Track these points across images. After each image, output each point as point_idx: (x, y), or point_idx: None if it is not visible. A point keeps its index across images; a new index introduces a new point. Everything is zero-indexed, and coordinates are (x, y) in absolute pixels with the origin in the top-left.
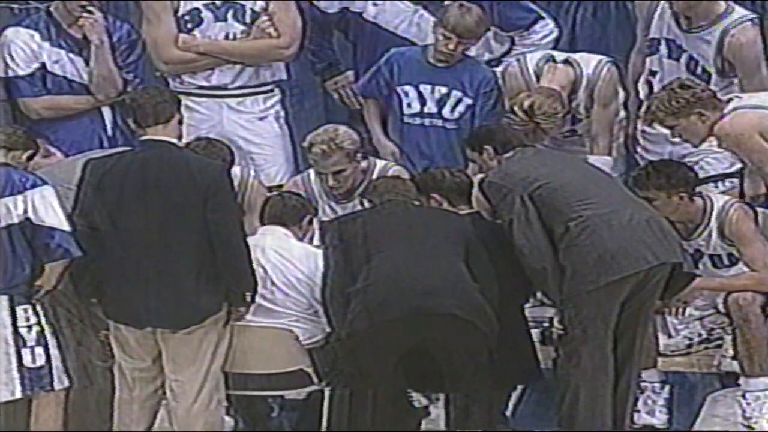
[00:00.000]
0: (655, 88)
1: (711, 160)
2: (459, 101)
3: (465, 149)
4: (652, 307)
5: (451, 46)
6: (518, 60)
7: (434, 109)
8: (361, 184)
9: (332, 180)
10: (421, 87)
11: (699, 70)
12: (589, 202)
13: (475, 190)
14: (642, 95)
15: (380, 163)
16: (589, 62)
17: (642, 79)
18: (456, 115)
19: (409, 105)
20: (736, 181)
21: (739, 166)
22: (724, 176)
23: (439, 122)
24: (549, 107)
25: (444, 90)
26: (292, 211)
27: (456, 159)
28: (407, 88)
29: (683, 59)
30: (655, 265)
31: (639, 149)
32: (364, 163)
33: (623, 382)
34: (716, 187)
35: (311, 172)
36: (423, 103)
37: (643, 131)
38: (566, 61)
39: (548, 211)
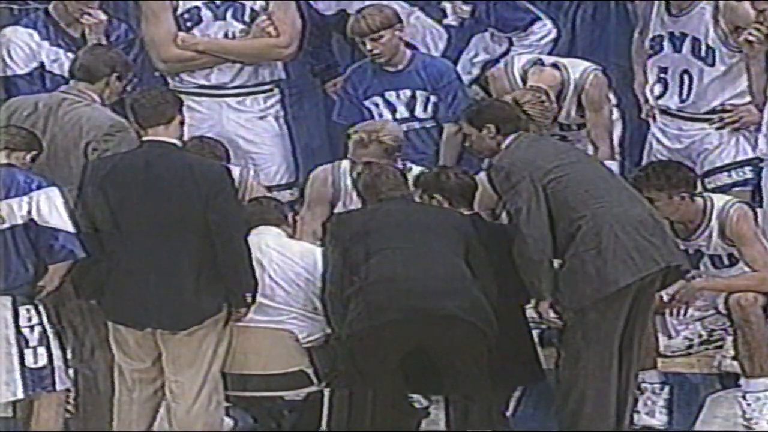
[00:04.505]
0: (670, 84)
1: (724, 152)
2: (428, 99)
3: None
4: (651, 308)
5: (368, 48)
6: (505, 63)
7: (406, 113)
8: None
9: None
10: (387, 95)
11: (703, 51)
12: (601, 199)
13: (478, 193)
14: (654, 96)
15: (416, 170)
16: (576, 67)
17: (652, 80)
18: (429, 113)
19: (380, 115)
20: (747, 170)
21: (750, 155)
22: (736, 165)
23: (416, 124)
24: (532, 96)
25: (408, 92)
26: (275, 212)
27: None
28: (375, 99)
29: (686, 46)
30: (663, 267)
31: (655, 145)
32: (399, 165)
33: (622, 382)
34: (729, 176)
35: (344, 162)
36: (393, 110)
37: (660, 128)
38: (553, 65)
39: (559, 206)
